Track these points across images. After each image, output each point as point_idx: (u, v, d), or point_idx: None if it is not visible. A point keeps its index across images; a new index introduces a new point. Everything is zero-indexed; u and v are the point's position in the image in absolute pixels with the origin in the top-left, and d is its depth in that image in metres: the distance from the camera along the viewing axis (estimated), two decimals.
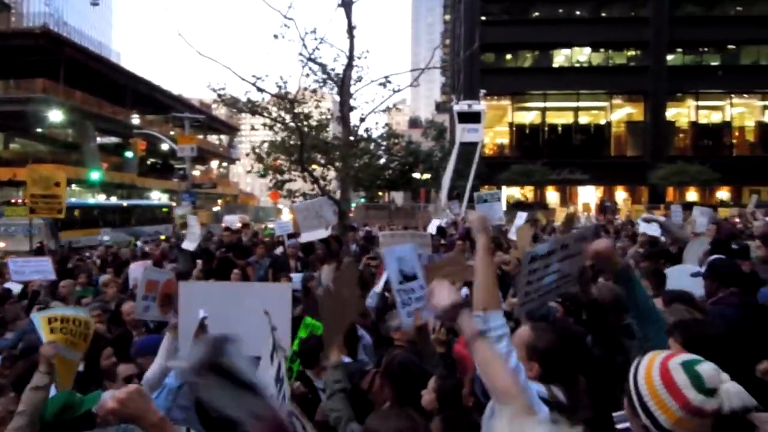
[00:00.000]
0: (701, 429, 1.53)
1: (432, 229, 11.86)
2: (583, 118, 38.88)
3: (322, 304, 3.35)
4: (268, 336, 3.22)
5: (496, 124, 39.04)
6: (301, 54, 13.18)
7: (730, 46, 36.65)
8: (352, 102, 13.80)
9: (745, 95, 36.74)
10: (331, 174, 15.20)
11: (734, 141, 37.49)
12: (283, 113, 13.70)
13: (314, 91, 14.37)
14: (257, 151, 14.97)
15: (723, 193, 35.75)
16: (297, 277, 8.01)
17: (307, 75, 13.62)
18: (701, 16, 36.00)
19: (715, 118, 37.84)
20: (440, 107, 56.75)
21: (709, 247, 5.59)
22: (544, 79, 37.13)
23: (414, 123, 71.14)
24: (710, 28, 35.30)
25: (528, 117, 39.73)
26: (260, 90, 12.92)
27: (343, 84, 13.33)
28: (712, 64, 36.87)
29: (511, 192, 36.02)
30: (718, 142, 37.18)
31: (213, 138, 65.30)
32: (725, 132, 37.39)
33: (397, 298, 3.81)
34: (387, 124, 28.50)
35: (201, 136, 53.29)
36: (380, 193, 38.33)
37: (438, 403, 2.91)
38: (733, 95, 36.69)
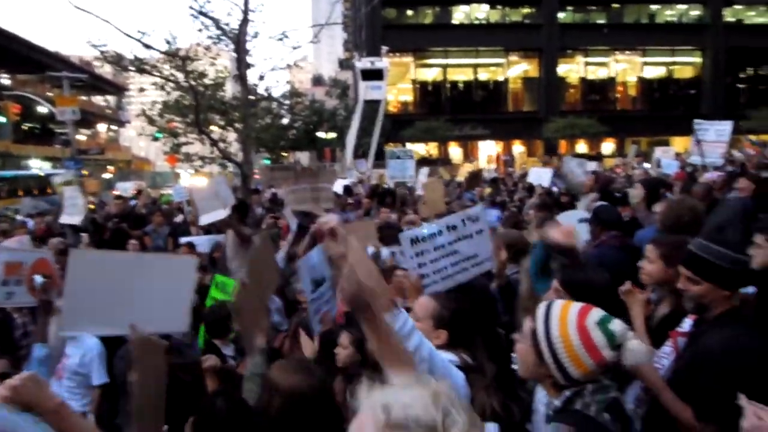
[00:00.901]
0: (597, 374, 1.68)
1: (338, 188, 11.80)
2: (483, 75, 39.83)
3: (239, 299, 3.19)
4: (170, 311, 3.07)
5: (399, 81, 39.10)
6: (191, 7, 12.35)
7: (615, 5, 38.69)
8: (249, 59, 13.20)
9: (628, 52, 39.15)
10: (231, 136, 14.59)
11: (618, 96, 40.07)
12: (175, 71, 12.85)
13: (208, 47, 13.57)
14: (148, 113, 13.99)
15: (608, 145, 38.37)
16: (201, 240, 7.69)
17: (200, 30, 12.82)
18: None
19: (602, 74, 40.13)
20: (343, 64, 55.87)
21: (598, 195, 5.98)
22: (444, 36, 37.46)
23: (317, 81, 69.64)
24: None
25: (430, 74, 40.10)
26: (147, 46, 12.01)
27: (239, 40, 12.67)
28: (599, 22, 38.81)
29: (415, 149, 36.48)
30: (605, 97, 39.60)
31: (98, 99, 60.30)
32: (610, 87, 39.84)
33: (310, 308, 3.66)
34: (289, 83, 27.69)
35: (84, 98, 49.10)
36: (284, 154, 37.40)
37: (360, 356, 2.90)
38: (617, 52, 38.98)
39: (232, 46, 12.96)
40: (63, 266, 5.95)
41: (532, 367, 1.76)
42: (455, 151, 39.20)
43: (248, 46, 12.96)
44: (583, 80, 39.51)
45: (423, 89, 39.52)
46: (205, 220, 7.72)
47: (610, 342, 1.65)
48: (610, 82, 39.78)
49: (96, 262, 3.08)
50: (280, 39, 13.42)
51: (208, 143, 13.07)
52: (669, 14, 39.60)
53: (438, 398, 1.00)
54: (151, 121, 14.01)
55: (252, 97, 13.57)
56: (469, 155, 38.23)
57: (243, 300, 3.20)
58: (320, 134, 35.12)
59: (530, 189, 11.04)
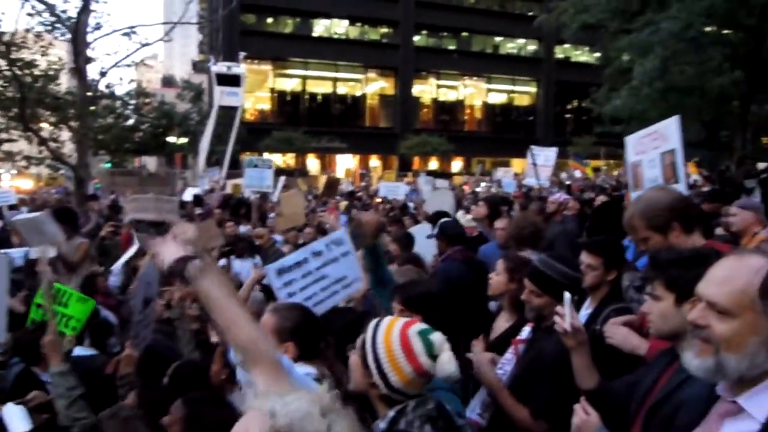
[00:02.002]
0: (419, 385, 1.74)
1: (188, 196, 11.15)
2: (341, 89, 40.44)
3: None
4: None
5: (257, 89, 38.28)
6: None
7: (464, 34, 41.61)
8: (89, 53, 12.05)
9: (475, 78, 42.27)
10: (66, 135, 13.15)
11: (466, 118, 43.05)
12: None
13: (39, 35, 12.14)
14: None
15: (457, 163, 40.96)
16: (18, 253, 6.75)
17: (31, 15, 11.46)
18: (441, 3, 40.10)
19: (452, 96, 42.84)
20: (197, 67, 53.37)
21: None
22: (304, 47, 37.45)
23: (168, 82, 65.75)
24: (448, 15, 39.62)
25: (289, 84, 39.80)
26: None
27: (77, 30, 11.51)
28: (450, 47, 41.46)
29: (273, 159, 35.88)
30: (454, 118, 42.32)
31: None
32: (459, 109, 42.69)
33: (132, 332, 3.33)
34: (135, 81, 25.72)
35: None
36: (129, 158, 34.68)
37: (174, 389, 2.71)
38: (465, 77, 41.90)
39: (69, 36, 11.75)
40: None
41: (359, 378, 1.79)
42: (313, 163, 39.23)
43: (89, 38, 11.85)
44: (435, 101, 41.86)
45: (281, 99, 39.10)
46: (34, 254, 6.80)
47: (428, 350, 1.72)
48: (459, 105, 42.62)
49: None
50: (127, 34, 12.47)
51: (35, 142, 11.64)
52: (510, 47, 43.53)
53: (323, 407, 1.03)
54: None
55: (90, 94, 12.35)
56: (327, 168, 38.49)
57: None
58: (170, 139, 33.12)
59: (385, 204, 11.33)
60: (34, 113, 11.72)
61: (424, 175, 13.95)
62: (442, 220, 5.01)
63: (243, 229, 7.81)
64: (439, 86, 41.85)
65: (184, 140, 32.51)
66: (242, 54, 27.83)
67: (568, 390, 2.13)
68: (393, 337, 1.74)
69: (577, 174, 19.85)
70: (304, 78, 38.97)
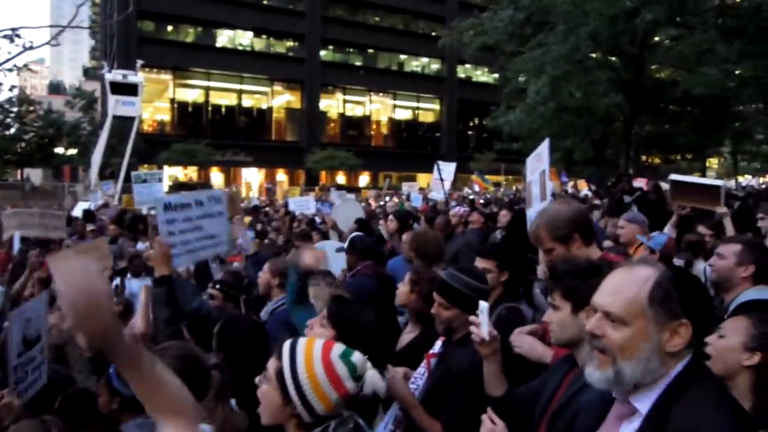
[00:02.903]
0: (341, 408, 1.69)
1: (78, 212, 10.37)
2: (247, 101, 39.66)
3: None
4: None
5: (156, 99, 36.63)
6: None
7: (370, 50, 42.33)
8: None
9: (381, 94, 43.05)
10: None
11: (373, 133, 43.67)
12: None
13: None
14: None
15: (365, 177, 41.35)
16: None
17: None
18: (348, 19, 40.64)
19: (358, 111, 43.34)
20: (89, 73, 50.27)
21: (355, 225, 6.26)
22: (207, 58, 36.36)
23: (56, 89, 61.35)
24: (355, 31, 40.23)
25: (191, 95, 38.43)
26: None
27: None
28: (356, 63, 42.00)
29: (173, 172, 34.40)
30: (361, 133, 42.81)
31: None
32: (366, 124, 43.25)
33: (10, 376, 2.81)
34: (17, 87, 23.76)
35: None
36: (10, 170, 31.82)
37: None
38: (372, 93, 42.55)
39: None
40: None
41: (275, 410, 1.71)
42: (217, 176, 38.01)
43: None
44: (342, 116, 42.14)
45: (182, 110, 37.65)
46: None
47: (352, 373, 1.69)
48: (366, 120, 43.18)
49: None
50: (9, 36, 11.50)
51: None
52: (415, 65, 44.83)
53: None
54: None
55: None
56: (232, 181, 37.43)
57: None
58: (59, 150, 30.81)
59: (292, 218, 11.16)
60: None
61: (334, 189, 13.99)
62: (353, 234, 4.99)
63: (141, 245, 7.35)
64: (345, 101, 42.21)
65: (73, 151, 30.36)
66: (140, 62, 26.58)
67: (480, 402, 2.17)
68: (315, 365, 1.68)
69: (476, 188, 20.76)
70: (207, 89, 37.82)
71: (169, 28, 37.32)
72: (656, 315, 1.34)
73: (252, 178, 38.73)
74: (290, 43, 40.19)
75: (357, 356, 1.74)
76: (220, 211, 3.45)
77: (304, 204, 12.31)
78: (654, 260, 1.53)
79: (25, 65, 12.57)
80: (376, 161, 39.05)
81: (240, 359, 2.61)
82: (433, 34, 37.13)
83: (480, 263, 3.16)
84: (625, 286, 1.39)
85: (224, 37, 38.62)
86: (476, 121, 45.40)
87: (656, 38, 15.91)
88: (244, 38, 38.95)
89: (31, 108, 26.91)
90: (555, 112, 15.42)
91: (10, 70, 12.66)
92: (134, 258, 6.16)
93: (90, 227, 9.35)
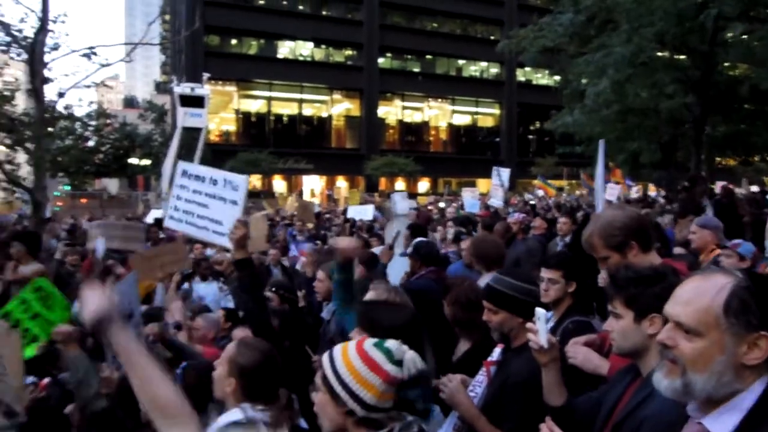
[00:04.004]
0: (391, 396, 1.72)
1: (150, 219, 10.91)
2: (307, 110, 40.53)
3: None
4: None
5: (222, 110, 38.05)
6: None
7: (428, 56, 42.34)
8: (47, 73, 11.74)
9: (439, 99, 42.94)
10: (21, 157, 12.78)
11: (431, 139, 43.60)
12: None
13: None
14: None
15: (424, 183, 41.33)
16: None
17: None
18: (405, 26, 40.86)
19: (417, 117, 43.40)
20: (160, 87, 52.78)
21: (408, 230, 6.27)
22: (269, 69, 37.50)
23: (130, 103, 64.82)
24: (413, 38, 40.38)
25: (254, 105, 39.69)
26: None
27: (33, 50, 11.23)
28: (414, 70, 42.12)
29: None
30: (420, 139, 42.83)
31: None
32: (424, 130, 43.23)
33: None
34: (95, 102, 25.29)
35: None
36: (89, 180, 33.82)
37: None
38: (430, 99, 42.53)
39: (25, 56, 11.45)
40: None
41: (331, 413, 1.74)
42: (279, 184, 39.02)
43: (46, 58, 11.56)
44: (401, 122, 42.31)
45: (246, 120, 38.92)
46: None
47: (389, 358, 1.72)
48: (424, 126, 43.17)
49: None
50: (87, 55, 12.22)
51: None
52: (473, 69, 44.48)
53: None
54: None
55: (48, 115, 12.05)
56: (293, 189, 38.32)
57: None
58: (133, 160, 32.51)
59: (352, 225, 11.32)
60: None
61: (397, 192, 14.11)
62: (417, 239, 5.01)
63: (210, 251, 7.67)
64: (404, 108, 42.37)
65: (146, 162, 31.93)
66: (206, 75, 27.66)
67: (540, 411, 2.14)
68: (352, 357, 1.72)
69: (540, 193, 20.27)
70: (270, 99, 38.94)
71: (234, 41, 38.74)
72: (732, 326, 1.27)
73: (313, 185, 39.50)
74: (349, 52, 40.81)
75: (391, 342, 1.77)
76: (234, 199, 3.21)
77: (362, 211, 12.49)
78: (732, 268, 1.45)
79: (102, 81, 13.30)
80: (436, 167, 38.98)
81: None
82: (492, 38, 36.77)
83: (545, 274, 3.06)
84: (699, 295, 1.33)
85: (285, 49, 39.69)
86: (537, 125, 44.54)
87: (729, 34, 15.08)
88: (304, 49, 39.90)
89: (108, 121, 28.56)
90: (619, 115, 14.90)
91: (89, 86, 13.43)
92: (201, 261, 6.43)
93: (161, 235, 9.81)
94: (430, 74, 41.71)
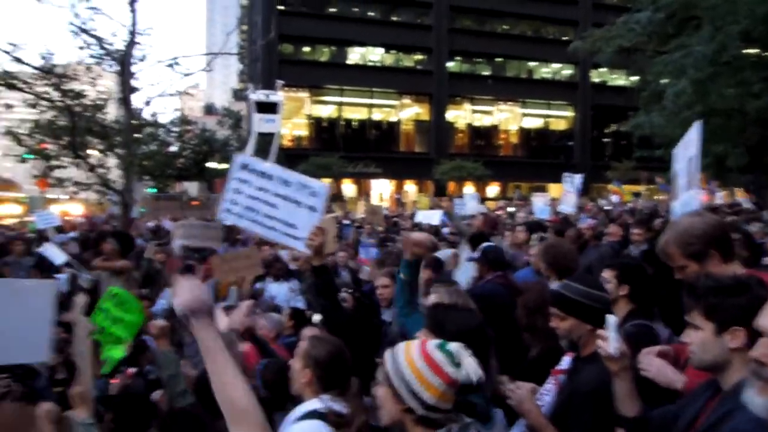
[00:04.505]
0: (451, 397, 1.75)
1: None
2: (377, 115, 40.95)
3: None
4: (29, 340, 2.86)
5: (294, 116, 39.11)
6: (72, 23, 11.59)
7: (498, 59, 41.73)
8: (135, 83, 12.56)
9: (509, 102, 42.20)
10: (112, 161, 13.68)
11: (501, 142, 42.90)
12: (50, 89, 11.90)
13: (89, 67, 12.76)
14: (15, 131, 12.78)
15: (493, 188, 40.72)
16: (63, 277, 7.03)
17: (82, 48, 12.05)
18: (475, 29, 40.50)
19: (487, 121, 42.83)
20: (237, 95, 54.95)
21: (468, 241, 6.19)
22: (340, 75, 38.23)
23: (209, 110, 67.82)
24: (483, 41, 39.95)
25: (325, 110, 40.54)
26: (18, 60, 11.04)
27: (124, 62, 12.04)
28: (484, 73, 41.63)
29: None
30: (489, 143, 42.23)
31: None
32: (494, 134, 42.61)
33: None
34: (178, 110, 26.66)
35: None
36: (170, 183, 35.61)
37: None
38: (500, 102, 41.89)
39: (116, 68, 12.29)
40: None
41: (390, 408, 1.79)
42: (349, 187, 39.61)
43: (134, 69, 12.36)
44: (470, 126, 41.91)
45: (318, 125, 39.80)
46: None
47: (450, 360, 1.74)
48: (494, 129, 42.55)
49: None
50: (171, 65, 12.96)
51: (84, 168, 12.15)
52: (545, 71, 43.41)
53: None
54: (18, 141, 12.80)
55: (136, 122, 12.84)
56: (363, 192, 38.81)
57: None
58: (211, 164, 33.98)
59: (420, 229, 11.34)
60: (84, 141, 12.27)
61: (467, 193, 14.06)
62: (485, 244, 4.97)
63: (282, 252, 7.92)
64: (473, 111, 41.95)
65: (224, 165, 33.24)
66: (280, 82, 28.54)
67: (610, 420, 2.09)
68: (414, 356, 1.77)
69: (615, 199, 19.49)
70: (340, 104, 39.66)
71: (306, 49, 39.77)
72: None
73: (382, 189, 39.83)
74: (418, 57, 40.90)
75: (453, 345, 1.80)
76: (312, 205, 3.07)
77: (431, 216, 12.50)
78: None
79: (184, 90, 14.08)
80: (505, 171, 38.30)
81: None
82: (565, 38, 35.76)
83: (604, 273, 3.09)
84: None
85: (356, 55, 40.31)
86: (613, 128, 42.86)
87: None
88: (374, 54, 40.38)
89: (189, 128, 29.94)
90: (701, 116, 14.10)
91: (172, 94, 14.22)
92: (274, 262, 6.65)
93: (238, 236, 10.24)
94: (500, 77, 41.09)
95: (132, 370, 3.42)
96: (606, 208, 16.09)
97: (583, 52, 17.97)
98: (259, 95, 25.88)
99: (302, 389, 2.44)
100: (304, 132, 39.94)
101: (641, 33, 14.80)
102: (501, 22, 41.60)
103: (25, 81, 11.75)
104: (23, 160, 14.66)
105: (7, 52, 10.83)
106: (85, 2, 11.49)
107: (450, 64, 40.25)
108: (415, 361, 1.75)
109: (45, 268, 8.19)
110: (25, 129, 12.94)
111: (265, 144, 25.35)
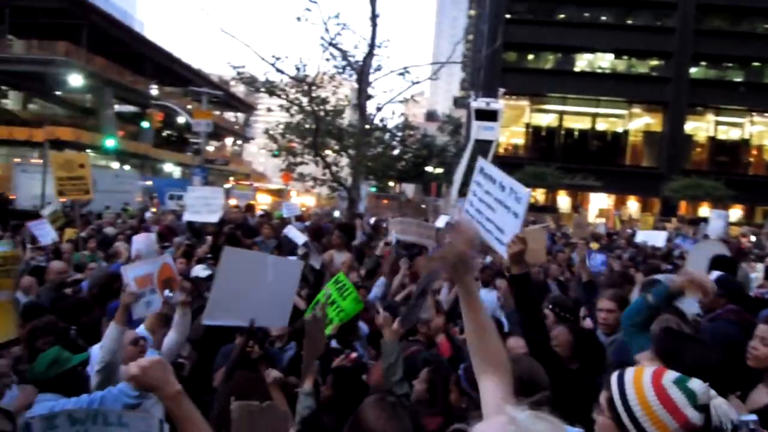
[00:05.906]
0: None
1: (440, 223, 11.85)
2: (601, 125, 38.60)
3: (308, 332, 3.32)
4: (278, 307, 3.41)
5: (513, 124, 38.85)
6: (322, 38, 13.14)
7: (755, 63, 36.16)
8: (370, 90, 13.75)
9: (765, 114, 36.28)
10: (344, 161, 15.22)
11: (751, 159, 37.10)
12: (300, 96, 13.70)
13: (332, 76, 14.35)
14: (272, 131, 15.02)
15: (736, 211, 35.41)
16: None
17: (328, 60, 13.59)
18: (727, 30, 35.60)
19: (734, 134, 37.44)
20: (458, 102, 56.36)
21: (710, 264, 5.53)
22: (564, 82, 36.87)
23: (431, 116, 70.85)
24: (735, 43, 34.91)
25: (545, 119, 39.49)
26: (279, 71, 12.91)
27: (362, 72, 13.28)
28: (735, 80, 36.43)
29: None
30: (735, 159, 36.84)
31: (229, 115, 65.20)
32: (743, 149, 37.03)
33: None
34: (403, 115, 28.47)
35: (217, 112, 53.19)
36: (391, 184, 38.23)
37: (428, 394, 2.98)
38: (754, 113, 36.27)
39: (354, 77, 13.61)
40: (188, 263, 6.47)
41: None
42: (563, 200, 38.02)
43: (370, 78, 13.53)
44: (712, 139, 37.06)
45: (536, 134, 38.94)
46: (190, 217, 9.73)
47: (691, 401, 1.53)
48: (742, 144, 36.98)
49: (243, 261, 3.50)
50: (401, 74, 13.88)
51: (321, 165, 13.70)
52: None
53: None
54: (273, 140, 14.97)
55: (368, 127, 14.09)
56: (578, 206, 36.89)
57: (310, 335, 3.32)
58: (428, 168, 35.57)
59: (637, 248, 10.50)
60: (323, 142, 13.85)
61: (716, 211, 12.46)
62: (718, 273, 4.42)
63: (488, 258, 8.04)
64: (718, 123, 36.98)
65: (440, 170, 34.57)
66: (502, 90, 28.65)
67: None
68: (646, 391, 1.58)
69: None
70: (562, 113, 38.28)
71: (530, 56, 39.17)
72: None
73: (600, 203, 37.40)
74: (654, 62, 37.46)
75: (695, 383, 1.58)
76: (515, 211, 3.03)
77: (654, 237, 11.44)
78: None
79: (411, 97, 14.98)
80: (753, 193, 32.96)
81: None
82: None
83: None
84: None
85: (583, 62, 38.50)
86: None
87: None
88: (603, 61, 38.09)
89: (411, 133, 31.82)
90: None
91: (400, 102, 15.24)
92: (485, 269, 6.78)
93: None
94: (755, 83, 35.48)
95: (354, 354, 3.76)
96: None
97: None
98: (479, 103, 26.45)
99: None
100: (521, 140, 39.44)
101: None
102: (760, 21, 35.91)
103: (282, 89, 13.73)
104: (275, 156, 17.14)
105: (272, 64, 12.72)
106: (335, 19, 12.94)
107: (693, 70, 36.06)
108: (647, 395, 1.58)
109: (284, 251, 9.52)
110: (279, 129, 15.09)
111: (482, 151, 25.76)
